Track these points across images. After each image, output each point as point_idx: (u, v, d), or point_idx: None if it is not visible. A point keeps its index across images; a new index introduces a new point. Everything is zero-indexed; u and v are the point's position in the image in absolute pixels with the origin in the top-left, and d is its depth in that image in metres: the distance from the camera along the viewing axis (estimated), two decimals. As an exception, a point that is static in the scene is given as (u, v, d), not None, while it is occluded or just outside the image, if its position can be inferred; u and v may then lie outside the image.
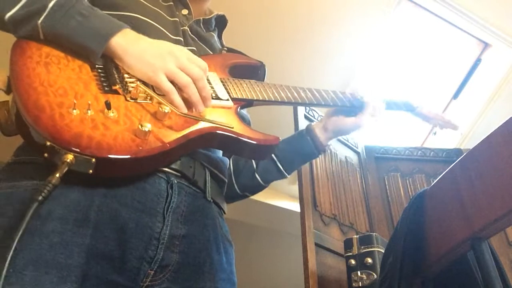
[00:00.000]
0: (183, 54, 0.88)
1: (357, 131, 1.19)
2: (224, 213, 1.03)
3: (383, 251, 1.11)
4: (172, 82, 0.85)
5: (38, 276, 0.68)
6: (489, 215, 0.69)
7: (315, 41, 2.35)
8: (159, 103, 0.82)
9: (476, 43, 2.57)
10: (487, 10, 2.33)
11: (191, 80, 0.86)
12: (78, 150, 0.70)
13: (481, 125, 2.68)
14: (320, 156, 1.24)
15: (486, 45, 2.57)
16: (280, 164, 1.18)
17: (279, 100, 1.06)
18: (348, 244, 1.29)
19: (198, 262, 0.87)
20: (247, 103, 1.02)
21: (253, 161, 1.18)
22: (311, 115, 1.73)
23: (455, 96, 2.75)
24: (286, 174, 1.20)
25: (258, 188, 1.20)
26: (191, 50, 1.02)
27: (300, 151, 1.19)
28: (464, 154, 0.79)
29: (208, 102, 0.89)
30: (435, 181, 0.86)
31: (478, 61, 2.62)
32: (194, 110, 0.88)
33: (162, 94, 0.86)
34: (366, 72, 2.57)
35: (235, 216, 2.77)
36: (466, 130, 2.70)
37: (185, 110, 0.85)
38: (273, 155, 1.18)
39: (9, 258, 0.62)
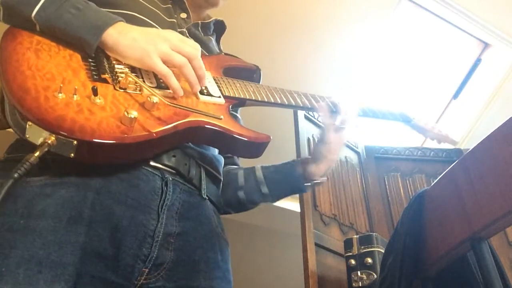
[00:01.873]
0: (174, 35, 0.88)
1: (335, 152, 1.09)
2: (219, 210, 1.03)
3: (383, 251, 1.11)
4: (167, 64, 0.85)
5: (32, 275, 0.67)
6: (489, 215, 0.69)
7: (314, 42, 2.35)
8: (151, 94, 0.81)
9: (476, 43, 2.57)
10: (487, 10, 2.33)
11: (186, 60, 0.86)
12: (60, 132, 0.69)
13: (481, 125, 2.68)
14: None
15: (486, 45, 2.57)
16: (268, 190, 1.12)
17: (272, 101, 1.05)
18: (348, 244, 1.29)
19: (193, 260, 0.87)
20: (239, 102, 1.01)
21: (239, 178, 1.12)
22: (311, 115, 1.73)
23: (455, 96, 2.75)
24: (271, 200, 1.14)
25: (241, 208, 1.14)
26: None
27: (289, 185, 1.13)
28: (464, 154, 0.79)
29: (203, 81, 0.90)
30: (435, 181, 0.86)
31: (478, 61, 2.63)
32: (187, 96, 0.88)
33: (153, 85, 0.86)
34: (365, 73, 2.57)
35: (235, 216, 2.76)
36: (466, 130, 2.70)
37: (181, 93, 0.85)
38: (263, 178, 1.12)
39: None
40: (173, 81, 0.84)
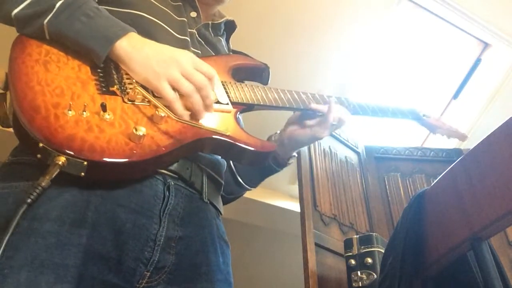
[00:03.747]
0: (189, 60, 0.86)
1: (316, 140, 1.13)
2: (221, 214, 1.03)
3: (383, 251, 1.11)
4: (175, 89, 0.84)
5: (34, 276, 0.68)
6: (489, 215, 0.69)
7: (314, 42, 2.35)
8: (156, 107, 0.82)
9: (476, 43, 2.57)
10: (487, 10, 2.33)
11: (194, 89, 0.84)
12: (70, 152, 0.70)
13: (481, 125, 2.68)
14: (291, 162, 1.17)
15: (486, 45, 2.57)
16: (241, 178, 1.16)
17: (280, 105, 1.05)
18: (348, 244, 1.29)
19: (195, 264, 0.87)
20: (248, 107, 1.01)
21: None
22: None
23: (455, 96, 2.75)
24: (248, 187, 1.18)
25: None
26: (196, 53, 1.01)
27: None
28: (464, 154, 0.79)
29: (210, 110, 0.89)
30: (435, 181, 0.86)
31: (478, 61, 2.62)
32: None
33: (160, 97, 0.86)
34: (365, 73, 2.57)
35: (235, 216, 2.77)
36: (466, 130, 2.70)
37: (186, 118, 0.85)
38: (233, 168, 1.15)
39: None
40: (177, 107, 0.83)
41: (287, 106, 1.06)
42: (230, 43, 1.27)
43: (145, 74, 0.83)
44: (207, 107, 0.87)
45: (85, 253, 0.73)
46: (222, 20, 1.19)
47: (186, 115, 0.85)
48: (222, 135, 0.87)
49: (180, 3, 1.10)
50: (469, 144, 2.64)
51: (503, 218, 0.68)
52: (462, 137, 1.40)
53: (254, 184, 1.19)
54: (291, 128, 1.13)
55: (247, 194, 1.25)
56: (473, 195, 0.74)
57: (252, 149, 0.90)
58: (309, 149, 1.61)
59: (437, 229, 0.82)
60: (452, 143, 2.62)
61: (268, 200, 2.84)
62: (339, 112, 1.11)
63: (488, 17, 2.35)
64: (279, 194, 2.86)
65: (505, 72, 2.58)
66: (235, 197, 1.20)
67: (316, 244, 1.37)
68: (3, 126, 0.81)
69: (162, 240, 0.83)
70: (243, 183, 1.16)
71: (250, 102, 1.00)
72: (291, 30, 2.29)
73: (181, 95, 0.84)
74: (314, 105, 1.10)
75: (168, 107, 0.83)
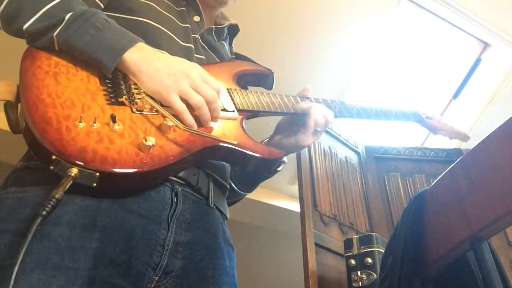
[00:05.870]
0: (197, 73, 0.88)
1: (303, 147, 1.10)
2: (227, 218, 1.04)
3: (383, 251, 1.11)
4: (185, 101, 0.85)
5: (46, 279, 0.69)
6: (489, 215, 0.69)
7: (314, 42, 2.35)
8: (164, 116, 0.83)
9: (476, 43, 2.57)
10: (487, 10, 2.33)
11: (204, 101, 0.86)
12: (82, 164, 0.71)
13: (481, 125, 2.68)
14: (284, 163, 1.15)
15: (486, 45, 2.57)
16: (233, 184, 1.15)
17: (285, 111, 1.05)
18: (348, 244, 1.29)
19: (201, 268, 0.89)
20: (253, 114, 1.02)
21: None
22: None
23: (455, 96, 2.75)
24: (241, 192, 1.18)
25: None
26: (200, 59, 1.03)
27: (249, 173, 1.15)
28: (464, 154, 0.79)
29: (216, 120, 0.91)
30: (435, 181, 0.86)
31: (478, 61, 2.63)
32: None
33: (168, 106, 0.87)
34: (366, 73, 2.57)
35: (235, 217, 2.76)
36: (466, 130, 2.70)
37: (195, 128, 0.86)
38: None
39: (14, 274, 0.64)
40: (188, 118, 0.85)
41: (292, 112, 1.07)
42: (233, 46, 1.28)
43: (155, 87, 0.85)
44: (214, 119, 0.90)
45: (95, 257, 0.74)
46: (225, 24, 1.20)
47: (195, 125, 0.86)
48: (230, 143, 0.87)
49: (183, 8, 1.11)
50: (469, 144, 2.64)
51: (503, 218, 0.68)
52: (464, 138, 1.40)
53: (246, 189, 1.19)
54: (278, 136, 1.12)
55: (248, 194, 1.25)
56: (473, 195, 0.74)
57: (259, 156, 0.91)
58: (309, 149, 1.61)
59: (437, 229, 0.82)
60: (452, 143, 2.62)
61: (268, 200, 2.84)
62: (319, 115, 1.07)
63: (489, 17, 2.36)
64: (279, 194, 2.86)
65: (505, 72, 2.58)
66: (231, 202, 1.20)
67: (316, 244, 1.37)
68: (14, 133, 0.81)
69: (170, 245, 0.84)
70: (236, 189, 1.17)
71: (255, 109, 1.01)
72: (291, 31, 2.29)
73: (190, 106, 0.86)
74: (300, 106, 1.08)
75: (177, 116, 0.84)
